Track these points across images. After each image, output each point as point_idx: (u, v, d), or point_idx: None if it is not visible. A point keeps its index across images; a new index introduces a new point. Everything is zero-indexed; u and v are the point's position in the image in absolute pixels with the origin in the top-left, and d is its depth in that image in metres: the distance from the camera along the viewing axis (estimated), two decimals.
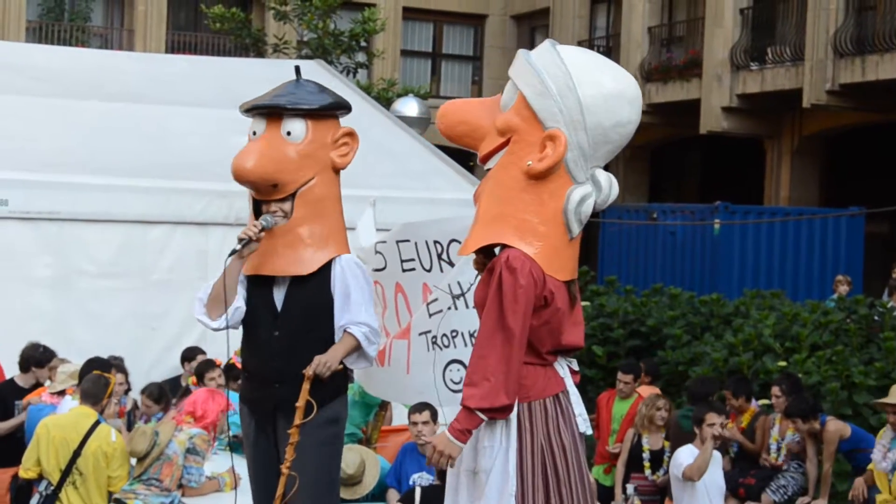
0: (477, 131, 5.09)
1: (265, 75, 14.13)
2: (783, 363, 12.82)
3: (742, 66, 23.35)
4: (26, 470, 7.98)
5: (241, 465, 8.73)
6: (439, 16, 31.09)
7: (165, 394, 9.73)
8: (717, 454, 8.96)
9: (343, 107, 6.03)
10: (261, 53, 23.52)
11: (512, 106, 4.99)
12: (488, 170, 5.09)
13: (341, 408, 5.88)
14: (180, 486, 7.84)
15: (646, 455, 10.38)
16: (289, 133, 5.86)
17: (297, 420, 5.70)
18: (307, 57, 20.68)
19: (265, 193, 5.90)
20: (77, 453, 7.84)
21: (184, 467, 7.82)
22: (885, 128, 22.80)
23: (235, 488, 8.08)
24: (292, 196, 5.85)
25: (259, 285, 5.91)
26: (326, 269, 5.80)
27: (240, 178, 5.91)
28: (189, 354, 10.47)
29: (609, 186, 5.05)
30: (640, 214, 22.36)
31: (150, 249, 10.63)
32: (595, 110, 4.92)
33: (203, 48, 27.58)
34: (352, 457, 8.03)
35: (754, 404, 11.00)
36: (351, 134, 5.96)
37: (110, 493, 7.91)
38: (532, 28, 31.19)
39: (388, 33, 26.71)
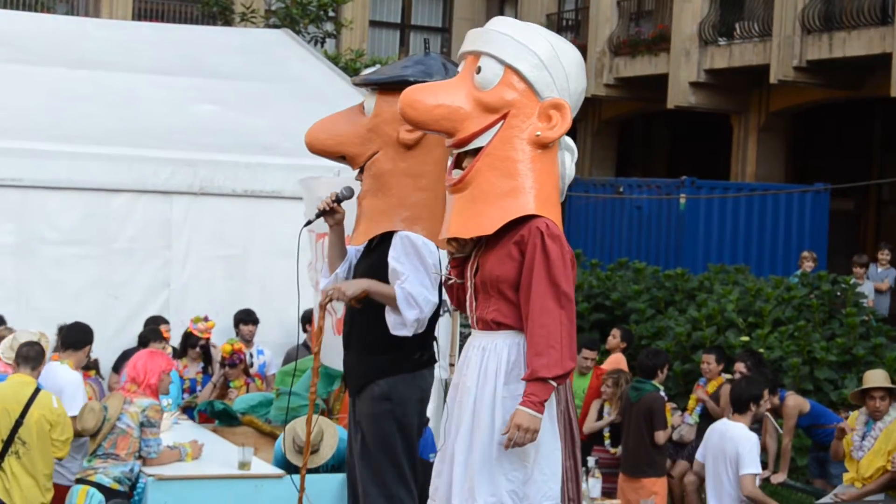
0: (457, 112, 5.04)
1: (231, 44, 14.10)
2: (746, 338, 12.92)
3: (710, 41, 23.37)
4: None
5: (202, 434, 8.77)
6: None
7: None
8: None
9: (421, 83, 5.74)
10: (228, 22, 23.34)
11: (499, 82, 5.02)
12: (465, 151, 5.08)
13: (394, 388, 5.82)
14: (139, 457, 7.78)
15: (606, 428, 10.44)
16: (364, 107, 5.91)
17: (314, 347, 5.90)
18: (275, 26, 20.54)
19: (348, 164, 6.00)
20: (19, 423, 7.73)
21: (141, 440, 7.76)
22: (852, 105, 22.90)
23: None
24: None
25: (362, 255, 6.05)
26: (387, 242, 5.82)
27: (307, 148, 6.02)
28: (152, 323, 10.41)
29: (576, 149, 5.23)
30: (607, 188, 22.40)
31: (114, 218, 10.56)
32: (574, 78, 5.10)
33: (170, 16, 27.36)
34: None
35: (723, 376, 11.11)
36: None
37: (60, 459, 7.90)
38: (501, 1, 31.11)
39: (356, 3, 26.59)
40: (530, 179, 4.99)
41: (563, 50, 5.09)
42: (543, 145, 5.01)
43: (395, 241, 5.79)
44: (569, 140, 5.19)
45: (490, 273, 5.05)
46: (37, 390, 7.85)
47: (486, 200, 5.00)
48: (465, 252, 5.20)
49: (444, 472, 5.18)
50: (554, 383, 4.90)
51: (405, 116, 5.15)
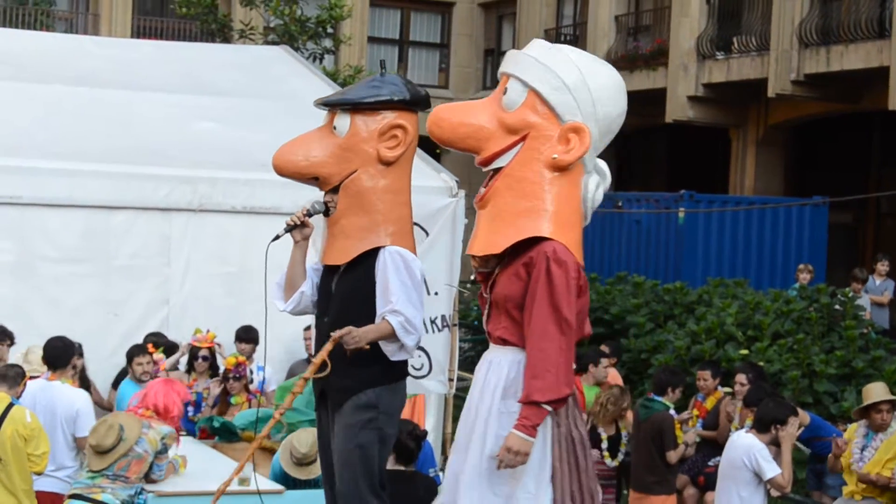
0: (480, 132, 5.16)
1: (231, 61, 14.13)
2: (745, 351, 12.93)
3: (708, 55, 23.43)
4: None
5: (202, 450, 8.77)
6: (406, 3, 31.04)
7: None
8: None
9: (401, 101, 5.91)
10: (227, 39, 23.41)
11: (522, 103, 5.11)
12: (491, 170, 5.18)
13: (380, 397, 5.84)
14: (145, 477, 7.76)
15: (604, 445, 10.41)
16: (335, 127, 5.93)
17: (307, 373, 5.83)
18: (273, 43, 20.61)
19: (319, 185, 6.00)
20: None
21: (153, 464, 7.74)
22: (849, 118, 22.94)
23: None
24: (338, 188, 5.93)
25: (327, 273, 6.03)
26: (371, 258, 5.83)
27: (276, 172, 6.05)
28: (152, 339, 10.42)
29: (608, 174, 5.29)
30: (606, 202, 22.15)
31: (113, 235, 10.55)
32: (604, 102, 5.14)
33: (169, 33, 27.43)
34: (306, 437, 8.04)
35: (720, 389, 11.11)
36: (401, 126, 5.89)
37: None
38: (499, 16, 31.18)
39: (354, 20, 26.66)
40: (546, 202, 5.05)
41: (592, 74, 5.13)
42: (561, 168, 5.06)
43: (384, 256, 5.81)
44: (601, 164, 5.25)
45: (500, 291, 5.13)
46: (10, 406, 7.80)
47: (503, 219, 5.08)
48: (488, 267, 5.27)
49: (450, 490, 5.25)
50: (548, 408, 4.94)
51: (432, 134, 5.27)
